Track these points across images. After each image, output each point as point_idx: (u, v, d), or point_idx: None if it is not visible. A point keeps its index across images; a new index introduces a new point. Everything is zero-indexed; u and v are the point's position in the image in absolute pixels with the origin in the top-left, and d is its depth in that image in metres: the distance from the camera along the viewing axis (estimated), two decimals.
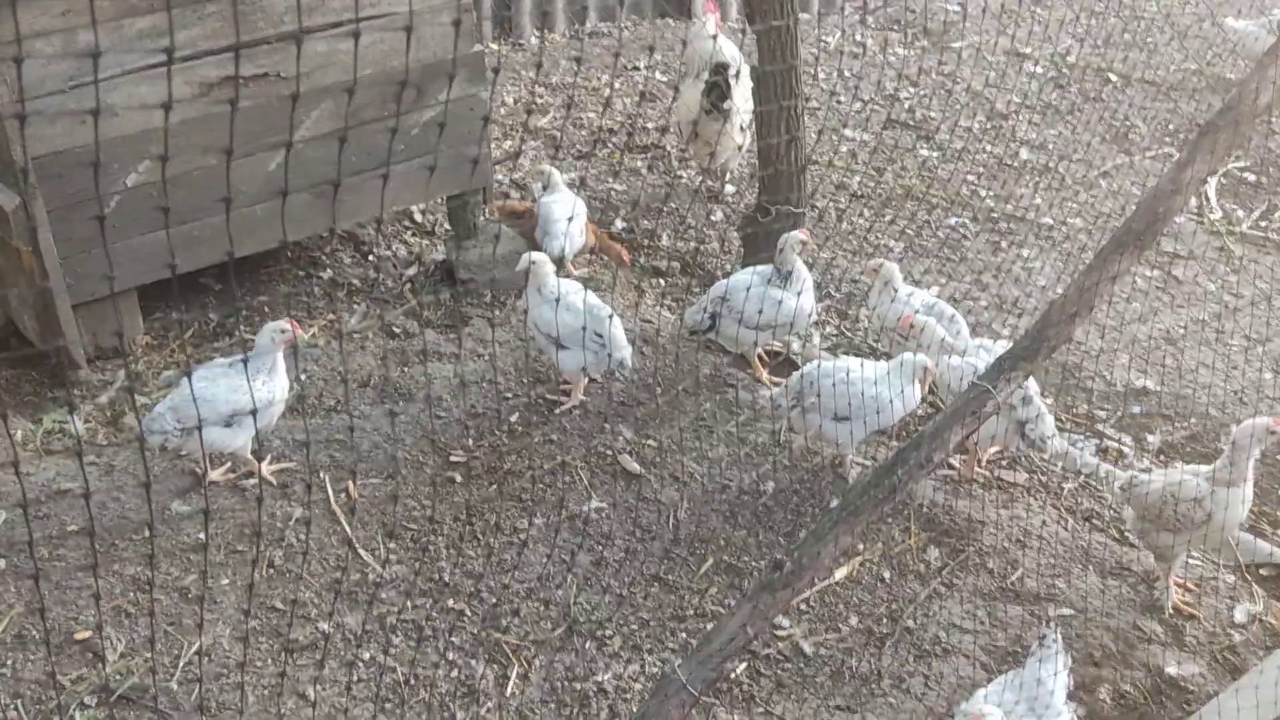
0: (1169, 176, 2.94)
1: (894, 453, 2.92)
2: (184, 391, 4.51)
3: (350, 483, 4.80)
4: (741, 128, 6.97)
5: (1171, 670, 4.23)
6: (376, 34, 5.72)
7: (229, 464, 4.79)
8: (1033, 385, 4.74)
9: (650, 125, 8.58)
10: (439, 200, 6.82)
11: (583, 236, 6.29)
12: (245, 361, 4.61)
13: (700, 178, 7.88)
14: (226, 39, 5.31)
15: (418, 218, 7.24)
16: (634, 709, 3.96)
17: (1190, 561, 4.83)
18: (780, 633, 4.31)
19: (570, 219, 5.40)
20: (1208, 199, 8.08)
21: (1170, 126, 8.91)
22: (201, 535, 4.47)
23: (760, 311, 5.29)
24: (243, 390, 4.42)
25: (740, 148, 7.28)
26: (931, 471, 2.80)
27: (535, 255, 5.34)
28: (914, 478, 2.74)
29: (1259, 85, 2.85)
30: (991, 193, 8.02)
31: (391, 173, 6.03)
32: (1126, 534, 4.70)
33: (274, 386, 4.55)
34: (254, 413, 3.90)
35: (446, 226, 6.79)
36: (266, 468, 4.79)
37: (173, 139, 5.30)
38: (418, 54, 5.88)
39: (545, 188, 6.38)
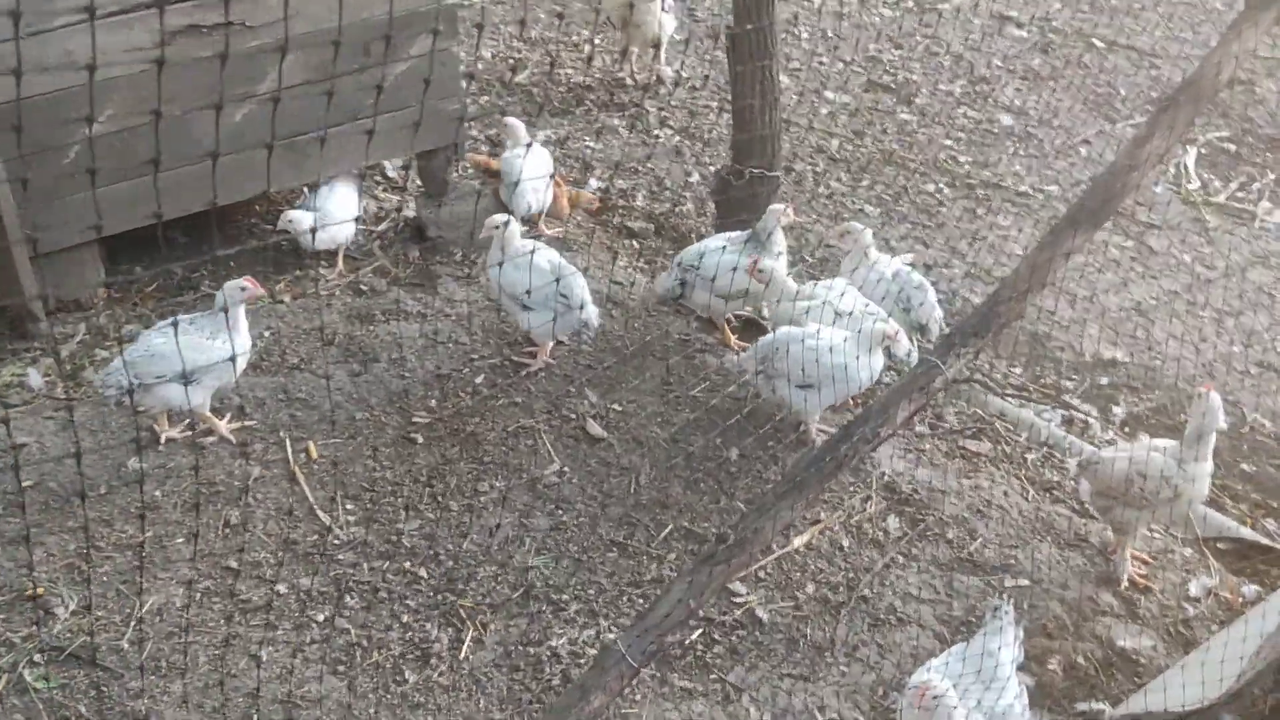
0: (1126, 152, 2.90)
1: (840, 428, 2.90)
2: (140, 347, 4.46)
3: (310, 442, 4.77)
4: (664, 9, 7.84)
5: (1123, 643, 4.26)
6: None
7: (187, 421, 4.75)
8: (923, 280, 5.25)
9: (629, 82, 8.47)
10: (410, 156, 6.73)
11: (549, 190, 6.23)
12: (206, 317, 4.57)
13: (676, 138, 7.80)
14: None
15: (390, 173, 7.15)
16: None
17: (1148, 534, 4.85)
18: (737, 600, 4.32)
19: (545, 177, 5.33)
20: (1186, 169, 8.04)
21: (1153, 94, 8.84)
22: (158, 493, 4.44)
23: (732, 279, 5.25)
24: (201, 348, 4.38)
25: (670, 30, 8.03)
26: (876, 447, 2.78)
27: (499, 217, 5.28)
28: (860, 453, 2.72)
29: (1221, 60, 2.80)
30: (970, 159, 7.97)
31: (360, 127, 5.93)
32: (1086, 506, 4.71)
33: (235, 344, 4.49)
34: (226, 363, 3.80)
35: (419, 183, 6.71)
36: (226, 426, 4.75)
37: (134, 89, 5.21)
38: (388, 5, 5.76)
39: (510, 143, 6.30)
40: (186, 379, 4.40)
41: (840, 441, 2.73)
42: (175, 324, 4.55)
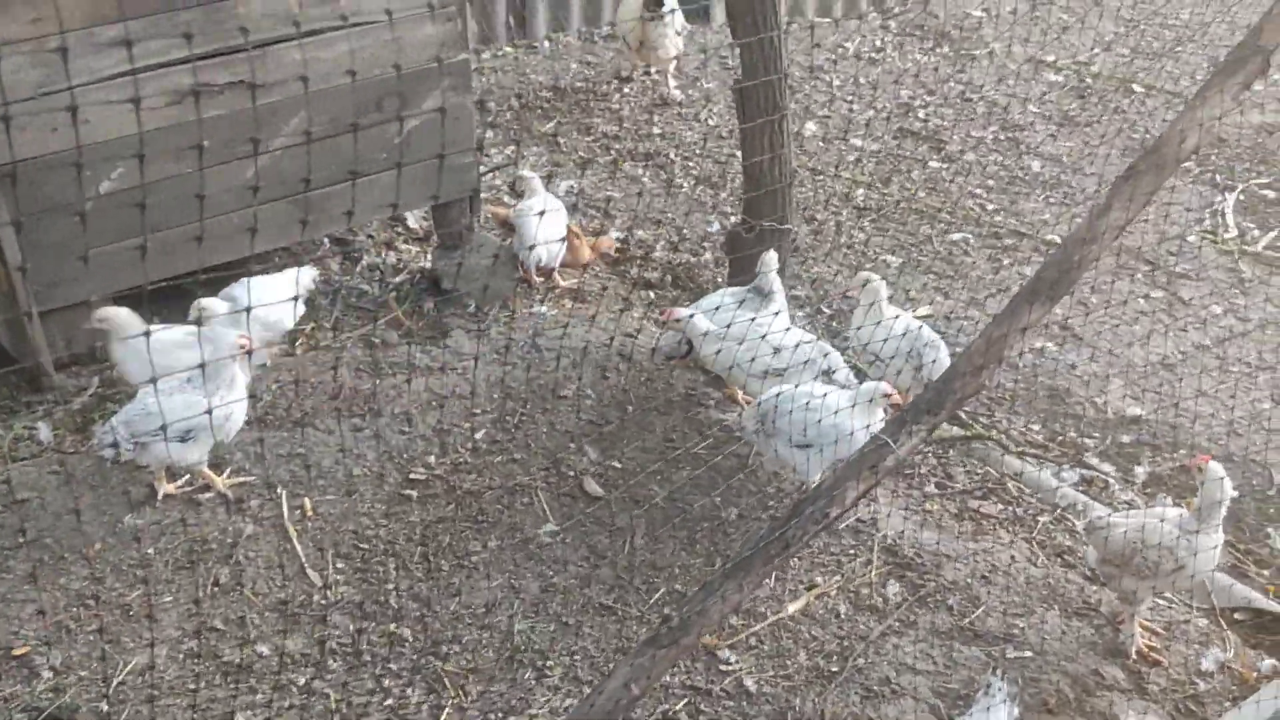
0: (1085, 224, 2.79)
1: (790, 506, 2.81)
2: (136, 405, 4.50)
3: (306, 499, 4.77)
4: (676, 31, 8.34)
5: (1128, 719, 4.09)
6: (356, 41, 5.67)
7: (186, 477, 4.78)
8: (932, 335, 5.27)
9: (656, 131, 8.48)
10: (426, 209, 6.79)
11: (563, 245, 6.24)
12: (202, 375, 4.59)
13: (699, 187, 7.78)
14: (199, 47, 5.29)
15: (412, 224, 7.21)
16: None
17: (1160, 604, 4.66)
18: (725, 668, 4.21)
19: (559, 239, 5.36)
20: (1223, 217, 7.83)
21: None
22: (151, 550, 4.47)
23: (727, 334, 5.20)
24: (198, 405, 4.39)
25: (678, 51, 8.52)
26: (827, 527, 2.69)
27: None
28: (809, 532, 2.63)
29: (1185, 128, 2.69)
30: (998, 206, 7.84)
31: (374, 181, 5.98)
32: (1094, 572, 4.54)
33: (231, 399, 4.51)
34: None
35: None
36: (224, 481, 4.77)
37: (145, 147, 5.30)
38: (399, 61, 5.83)
39: (524, 194, 6.33)
40: (183, 436, 4.42)
41: (789, 519, 2.65)
42: (172, 381, 4.56)
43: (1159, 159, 2.76)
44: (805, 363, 4.97)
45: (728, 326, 5.00)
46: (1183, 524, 4.09)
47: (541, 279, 6.49)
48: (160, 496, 4.67)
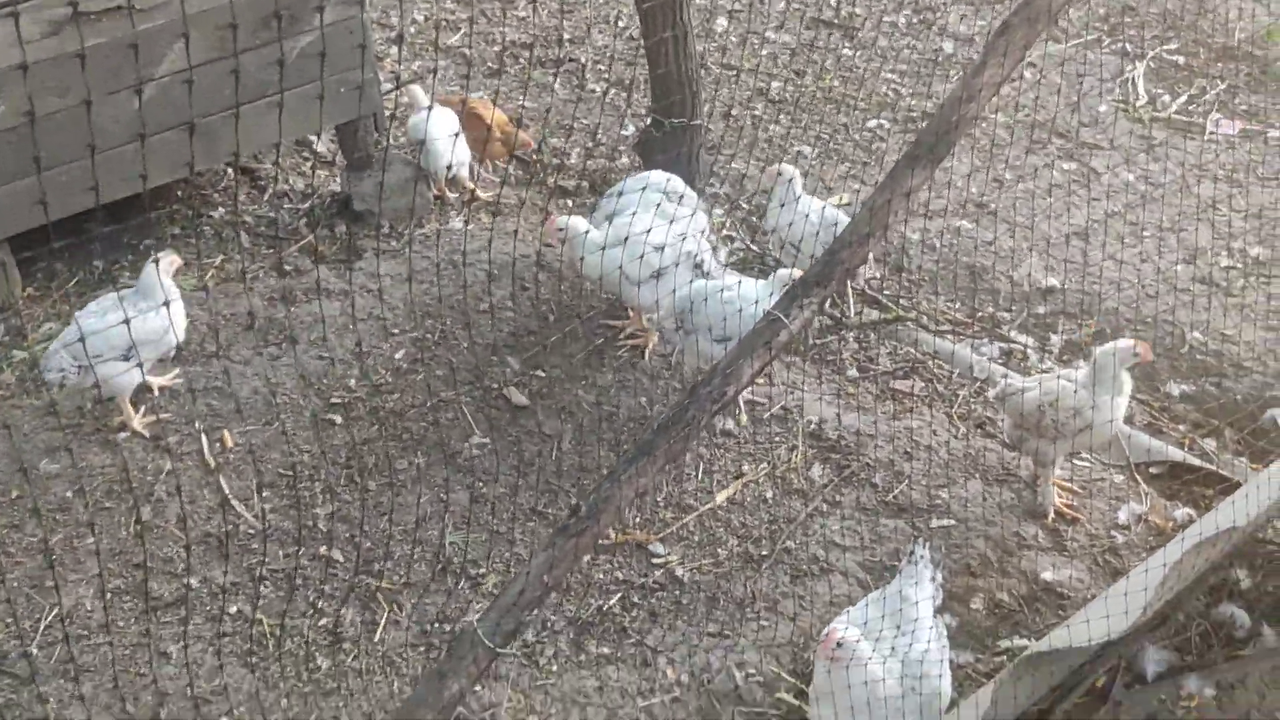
0: (961, 83, 2.78)
1: (688, 390, 2.82)
2: (75, 329, 4.41)
3: (225, 431, 4.71)
4: None
5: (1049, 576, 4.20)
6: None
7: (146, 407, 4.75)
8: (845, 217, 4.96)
9: (566, 38, 8.30)
10: (327, 129, 6.60)
11: (467, 151, 6.16)
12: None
13: (613, 91, 7.66)
14: None
15: (319, 148, 7.04)
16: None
17: (1078, 463, 4.77)
18: (656, 560, 4.27)
19: (455, 135, 5.24)
20: (1134, 85, 7.87)
21: (1100, 11, 8.64)
22: (69, 494, 4.39)
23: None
24: (137, 321, 4.31)
25: None
26: (726, 406, 2.70)
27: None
28: (708, 412, 2.64)
29: None
30: (912, 91, 7.80)
31: (270, 104, 5.78)
32: (1005, 439, 4.64)
33: (167, 315, 4.53)
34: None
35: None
36: (140, 420, 4.69)
37: (26, 82, 5.08)
38: None
39: (412, 106, 6.21)
40: (126, 355, 4.39)
41: (688, 404, 2.65)
42: (106, 301, 4.54)
43: (1031, 12, 2.74)
44: (684, 256, 4.86)
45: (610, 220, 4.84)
46: (1088, 385, 4.17)
47: (455, 194, 6.39)
48: (134, 428, 4.62)
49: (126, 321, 3.24)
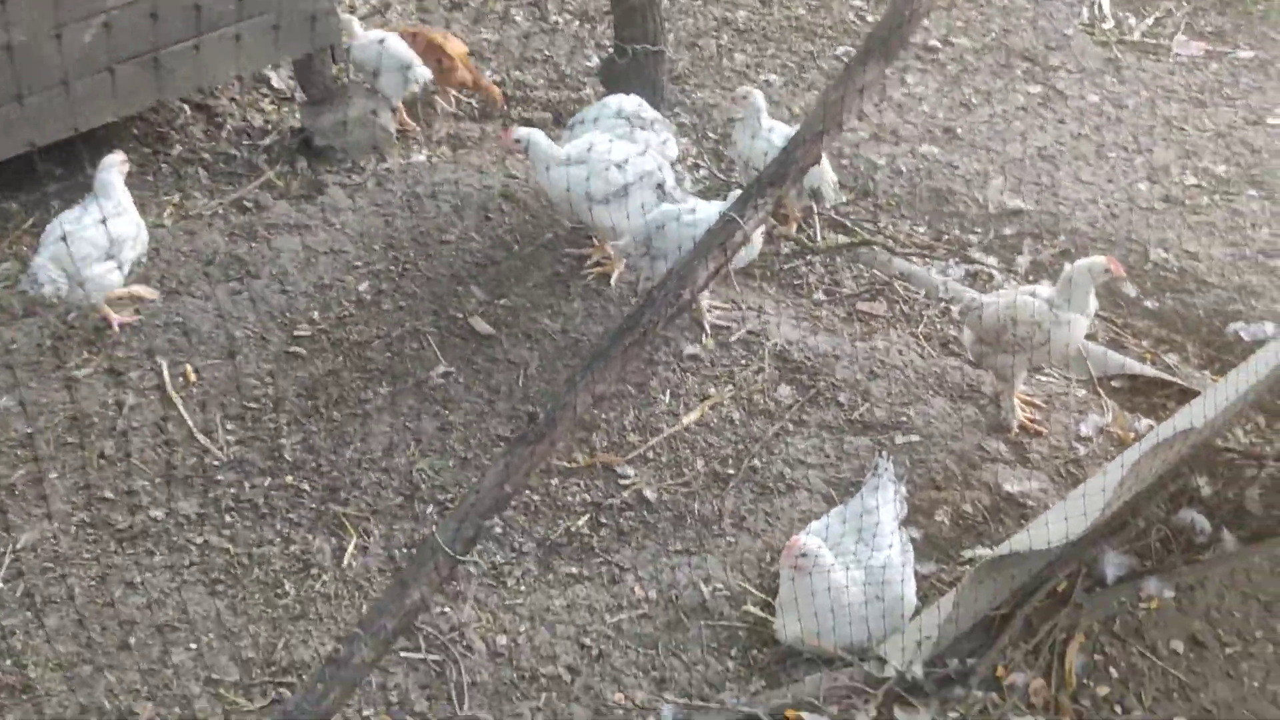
0: None
1: (643, 295, 2.81)
2: (55, 235, 4.48)
3: (188, 365, 4.67)
4: None
5: (1011, 488, 4.25)
6: None
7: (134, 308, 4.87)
8: None
9: None
10: (287, 63, 6.50)
11: (425, 69, 6.06)
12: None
13: (576, 22, 7.55)
14: None
15: (277, 83, 6.92)
16: (471, 570, 3.94)
17: (1040, 378, 4.81)
18: (624, 482, 4.28)
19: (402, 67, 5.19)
20: (1100, 8, 7.82)
21: None
22: (29, 430, 4.36)
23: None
24: (114, 222, 4.47)
25: None
26: (683, 311, 2.69)
27: None
28: (663, 316, 2.63)
29: None
30: (879, 16, 7.73)
31: (223, 36, 5.68)
32: (967, 354, 4.67)
33: (132, 215, 4.69)
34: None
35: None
36: (120, 319, 4.77)
37: None
38: None
39: (350, 36, 6.10)
40: (109, 254, 4.53)
41: (643, 309, 2.64)
42: (72, 213, 4.62)
43: None
44: (643, 176, 4.82)
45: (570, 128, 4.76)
46: (1052, 298, 4.19)
47: (415, 126, 6.32)
48: (117, 326, 4.70)
49: (104, 221, 3.67)
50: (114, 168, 4.72)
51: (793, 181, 2.72)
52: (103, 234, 4.33)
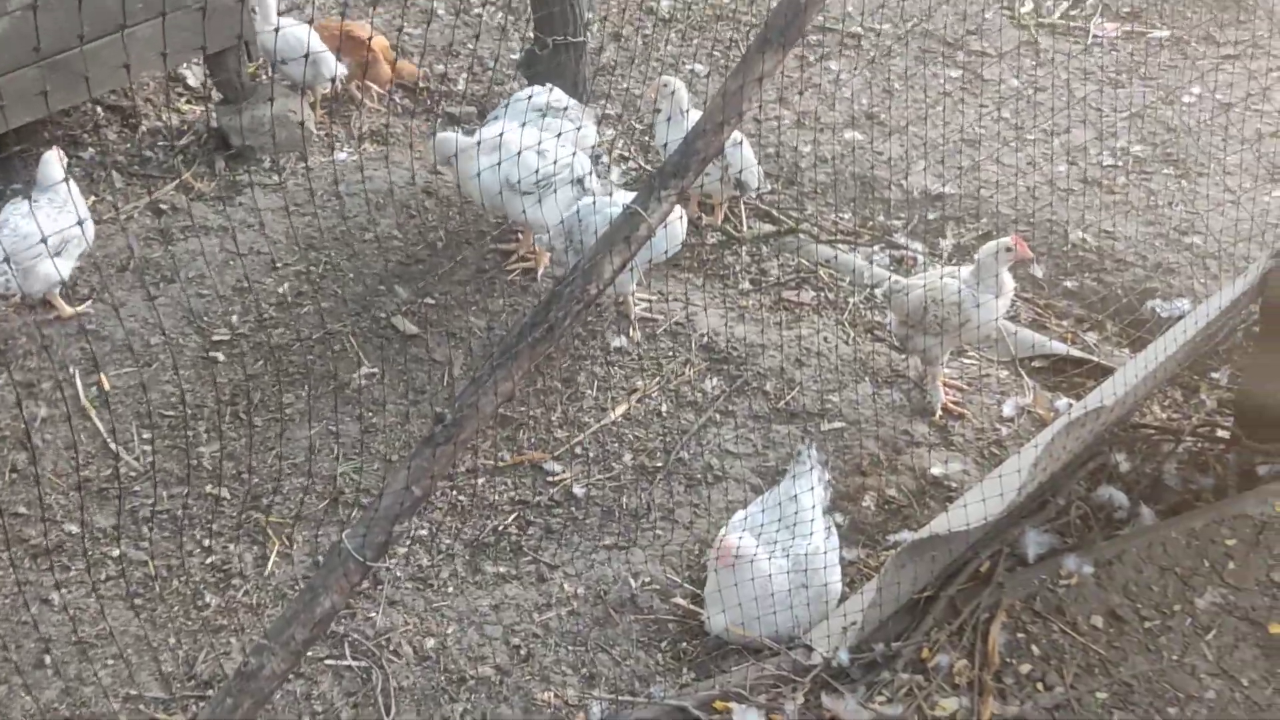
0: None
1: (549, 290, 2.78)
2: (6, 232, 4.48)
3: (102, 374, 4.56)
4: None
5: (936, 470, 4.28)
6: None
7: (89, 301, 4.87)
8: (736, 134, 4.80)
9: None
10: (199, 61, 6.36)
11: (333, 63, 5.97)
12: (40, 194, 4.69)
13: (500, 15, 7.48)
14: None
15: (192, 82, 6.78)
16: (397, 574, 3.90)
17: (964, 361, 4.86)
18: (552, 479, 4.25)
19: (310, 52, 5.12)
20: None
21: None
22: None
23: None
24: (58, 215, 4.53)
25: None
26: (590, 305, 2.67)
27: None
28: (571, 312, 2.61)
29: None
30: None
31: (132, 36, 5.54)
32: (890, 337, 4.70)
33: (78, 208, 4.61)
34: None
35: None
36: (71, 309, 4.78)
37: None
38: None
39: (260, 20, 5.97)
40: (58, 250, 4.56)
41: (549, 304, 2.61)
42: (13, 207, 4.62)
43: None
44: (559, 166, 4.79)
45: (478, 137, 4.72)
46: (968, 281, 4.23)
47: (326, 116, 6.22)
48: (73, 312, 4.74)
49: (80, 222, 3.98)
50: (54, 163, 4.72)
51: (695, 173, 2.70)
52: (50, 226, 4.40)
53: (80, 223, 4.48)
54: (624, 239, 2.60)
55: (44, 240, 3.59)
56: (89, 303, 4.87)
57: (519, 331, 2.58)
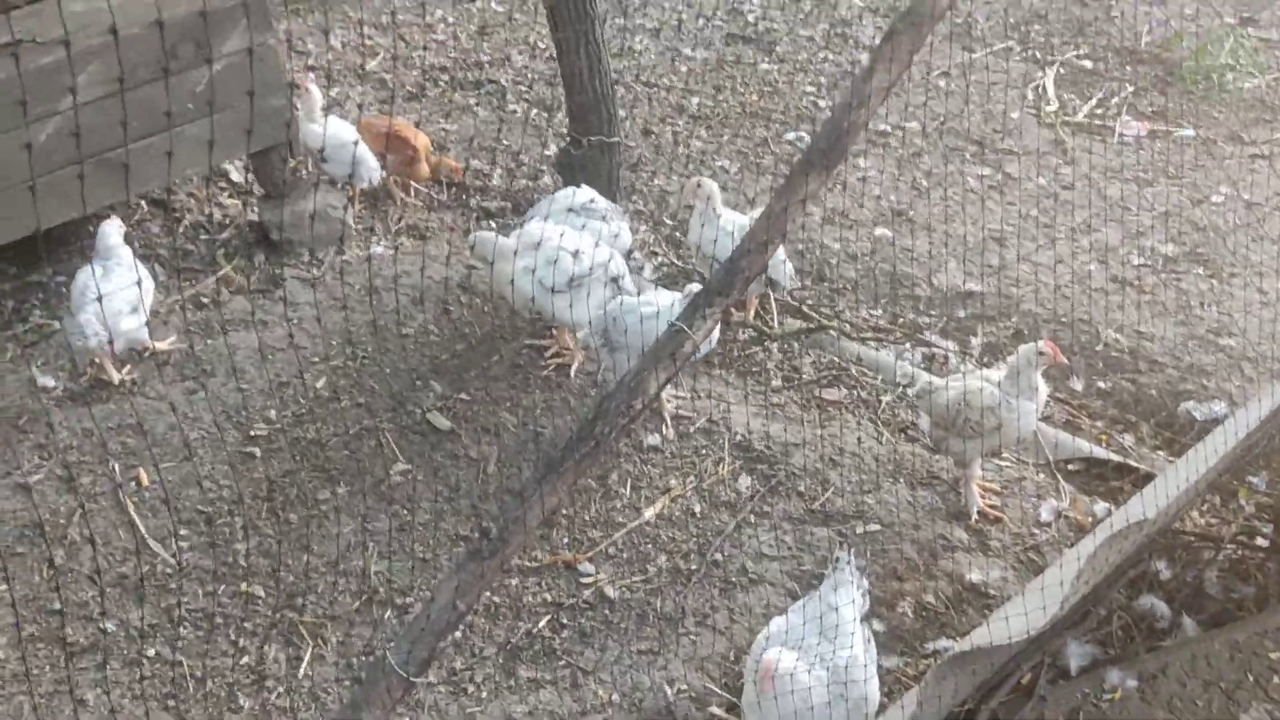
0: (851, 89, 2.82)
1: (595, 404, 2.81)
2: (89, 295, 4.71)
3: (141, 469, 4.60)
4: None
5: (973, 577, 4.25)
6: None
7: (127, 368, 5.09)
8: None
9: (485, 59, 8.29)
10: (244, 158, 6.52)
11: (370, 160, 6.12)
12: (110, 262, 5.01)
13: (534, 111, 7.65)
14: None
15: (235, 177, 6.94)
16: (431, 680, 3.87)
17: (999, 463, 4.84)
18: (585, 580, 4.24)
19: (354, 141, 5.25)
20: (1045, 91, 8.04)
21: (1011, 20, 8.83)
22: None
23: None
24: (130, 278, 4.82)
25: None
26: (634, 420, 2.70)
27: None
28: (616, 427, 2.63)
29: None
30: (830, 103, 7.89)
31: (181, 134, 5.70)
32: (926, 439, 4.69)
33: (143, 273, 4.97)
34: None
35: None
36: (120, 374, 5.03)
37: None
38: (189, 4, 5.53)
39: (304, 114, 6.13)
40: (134, 307, 4.81)
41: (595, 420, 2.64)
42: (89, 276, 4.82)
43: (915, 18, 2.78)
44: (597, 268, 4.87)
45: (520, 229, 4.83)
46: (1002, 385, 4.24)
47: (364, 210, 6.34)
48: (118, 381, 4.97)
49: (139, 282, 4.19)
50: (114, 232, 5.06)
51: (740, 291, 2.75)
52: (132, 290, 4.73)
53: (138, 282, 4.70)
54: (669, 355, 2.63)
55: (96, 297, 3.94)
56: (129, 368, 5.08)
57: (565, 447, 2.61)
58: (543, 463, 2.64)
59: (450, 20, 8.69)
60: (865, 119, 2.73)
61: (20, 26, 5.11)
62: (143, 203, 6.46)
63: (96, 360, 5.00)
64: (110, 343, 4.79)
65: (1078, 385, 5.29)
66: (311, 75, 6.55)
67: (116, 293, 4.73)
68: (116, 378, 5.00)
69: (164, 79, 5.44)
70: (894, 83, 2.65)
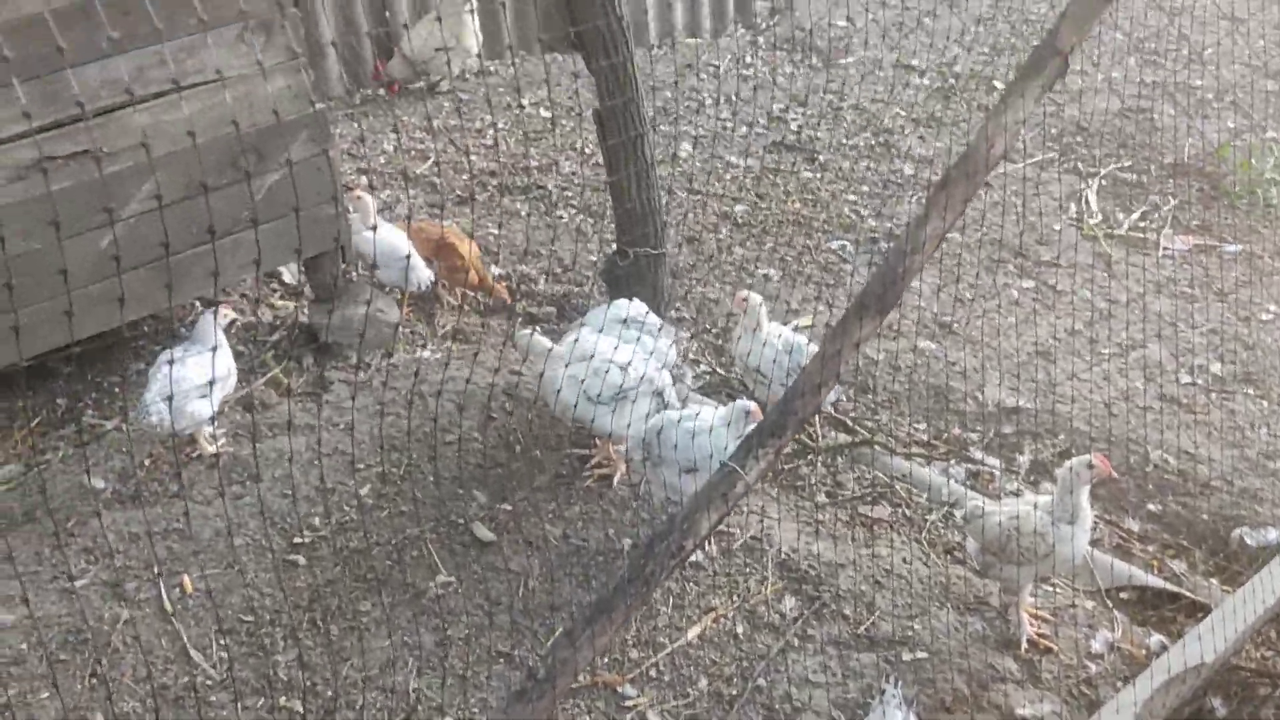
0: (906, 236, 2.85)
1: (645, 544, 2.80)
2: (162, 379, 4.86)
3: (185, 576, 4.62)
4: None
5: (1025, 711, 4.14)
6: (205, 100, 5.55)
7: (221, 441, 5.32)
8: (812, 345, 5.03)
9: (533, 164, 8.47)
10: (294, 264, 6.66)
11: (419, 267, 6.24)
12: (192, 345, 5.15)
13: (580, 217, 7.79)
14: (39, 120, 5.13)
15: (287, 278, 7.08)
16: None
17: (1049, 589, 4.75)
18: (627, 704, 4.18)
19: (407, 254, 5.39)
20: (1088, 203, 8.07)
21: (1053, 131, 8.91)
22: (24, 646, 4.28)
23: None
24: (205, 363, 4.84)
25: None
26: (684, 561, 2.68)
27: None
28: (666, 567, 2.62)
29: (992, 134, 2.76)
30: (873, 211, 7.97)
31: (238, 241, 5.85)
32: (973, 564, 4.62)
33: (223, 358, 5.11)
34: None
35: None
36: (212, 447, 5.26)
37: None
38: (252, 118, 5.72)
39: (356, 216, 6.27)
40: (204, 393, 4.83)
41: (645, 559, 2.63)
42: (165, 358, 4.99)
43: (970, 166, 2.82)
44: (644, 382, 4.90)
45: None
46: (1053, 508, 4.19)
47: (411, 313, 6.43)
48: (212, 450, 5.22)
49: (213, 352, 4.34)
50: (211, 319, 5.19)
51: (794, 432, 2.75)
52: (200, 373, 4.82)
53: (225, 377, 5.04)
54: (721, 495, 2.63)
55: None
56: (223, 440, 5.30)
57: (616, 586, 2.60)
58: (593, 603, 2.62)
59: (501, 125, 8.90)
60: (919, 265, 2.76)
61: (86, 137, 5.30)
62: (197, 304, 6.60)
63: (192, 434, 5.16)
64: (173, 426, 4.82)
65: (1134, 527, 5.19)
66: (364, 181, 6.71)
67: (189, 376, 4.85)
68: (210, 449, 5.19)
69: (224, 188, 5.63)
70: (948, 228, 2.68)
